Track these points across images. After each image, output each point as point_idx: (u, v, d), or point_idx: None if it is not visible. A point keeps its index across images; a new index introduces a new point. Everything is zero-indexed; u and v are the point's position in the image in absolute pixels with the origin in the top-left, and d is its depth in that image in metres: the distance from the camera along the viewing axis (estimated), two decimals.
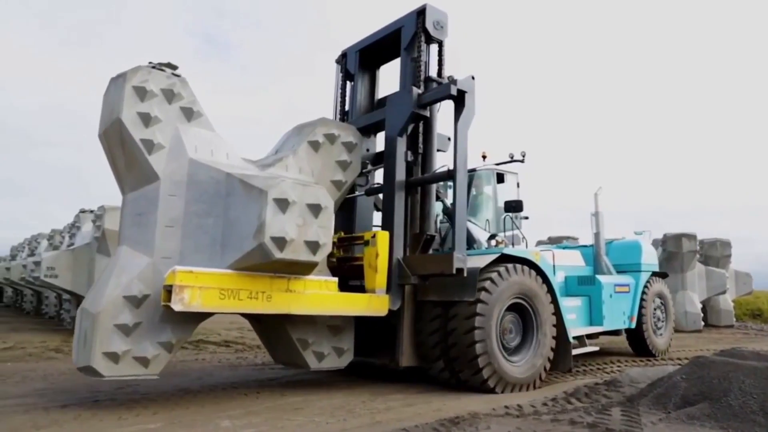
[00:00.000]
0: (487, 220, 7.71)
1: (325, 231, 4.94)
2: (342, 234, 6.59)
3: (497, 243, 6.79)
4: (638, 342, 9.04)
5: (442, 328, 5.87)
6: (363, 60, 7.45)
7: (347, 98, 7.51)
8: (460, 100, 5.92)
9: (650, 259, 9.47)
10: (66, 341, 9.78)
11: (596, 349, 7.63)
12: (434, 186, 6.44)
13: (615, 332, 9.06)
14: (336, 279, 5.53)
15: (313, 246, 4.81)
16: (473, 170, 7.86)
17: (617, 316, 8.48)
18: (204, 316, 5.10)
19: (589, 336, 8.84)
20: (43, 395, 5.38)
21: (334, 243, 6.41)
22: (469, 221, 7.60)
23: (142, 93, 4.94)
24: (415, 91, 6.12)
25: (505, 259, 6.17)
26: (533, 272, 6.33)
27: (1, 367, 7.34)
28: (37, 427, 4.16)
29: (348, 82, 7.58)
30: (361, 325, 6.71)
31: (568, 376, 7.37)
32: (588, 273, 8.81)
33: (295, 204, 4.76)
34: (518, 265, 6.14)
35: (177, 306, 4.41)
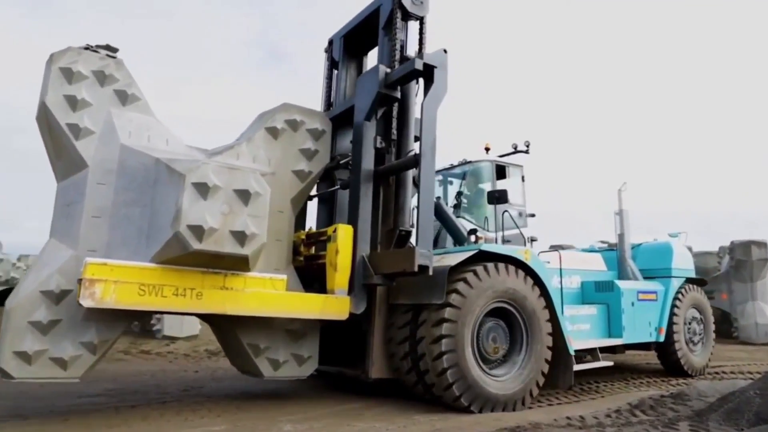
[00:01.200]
0: (486, 217, 6.91)
1: (256, 221, 4.39)
2: (311, 230, 6.04)
3: (477, 239, 6.00)
4: (668, 358, 7.87)
5: (412, 335, 5.17)
6: (347, 46, 6.92)
7: (333, 87, 7.00)
8: (428, 76, 5.24)
9: (684, 263, 8.28)
10: (133, 343, 10.04)
11: (607, 364, 6.62)
12: (411, 176, 5.75)
13: (643, 346, 7.96)
14: (285, 277, 4.96)
15: (240, 237, 4.26)
16: (468, 162, 7.11)
17: (641, 327, 7.40)
18: (136, 314, 4.67)
19: (607, 349, 7.83)
20: (114, 395, 5.69)
21: (301, 240, 5.88)
22: (464, 218, 6.86)
23: (69, 75, 4.61)
24: (382, 69, 5.50)
25: (486, 257, 5.38)
26: (522, 273, 5.50)
27: None
28: (109, 426, 4.36)
29: (334, 71, 7.07)
30: (334, 331, 6.12)
31: (631, 387, 7.01)
32: (608, 278, 7.78)
33: (220, 190, 4.25)
34: (501, 265, 5.33)
35: (86, 302, 3.97)
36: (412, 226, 5.59)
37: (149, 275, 4.26)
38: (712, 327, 8.46)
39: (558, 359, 5.88)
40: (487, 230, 6.84)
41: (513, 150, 7.54)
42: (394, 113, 5.78)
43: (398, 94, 5.65)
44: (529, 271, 5.62)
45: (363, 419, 4.75)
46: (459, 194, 7.06)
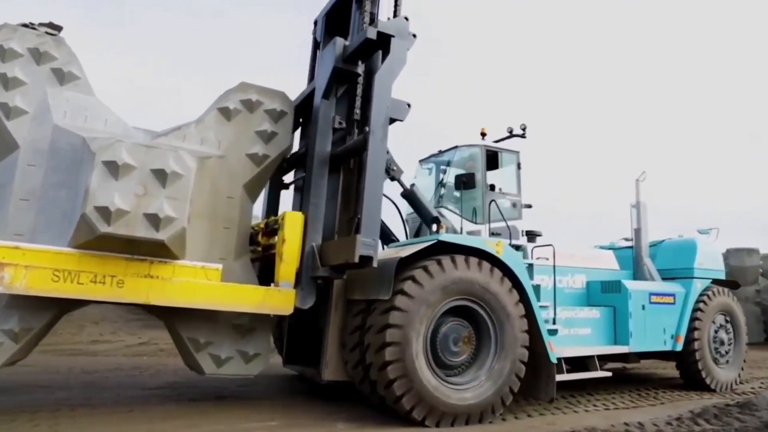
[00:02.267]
0: (474, 208, 6.29)
1: (176, 203, 4.05)
2: (272, 218, 5.67)
3: (438, 228, 5.41)
4: (688, 370, 6.94)
5: (361, 341, 4.69)
6: (329, 25, 6.50)
7: (317, 69, 6.61)
8: (384, 46, 4.74)
9: (709, 262, 7.29)
10: None
11: (603, 374, 5.85)
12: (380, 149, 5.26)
13: (661, 355, 7.08)
14: (219, 266, 4.60)
15: (154, 220, 3.93)
16: (454, 148, 6.51)
17: (653, 334, 6.54)
18: (67, 302, 4.45)
19: (620, 358, 7.02)
20: (175, 388, 5.92)
21: (261, 229, 5.53)
22: (446, 209, 6.28)
23: (1, 53, 4.45)
24: (340, 42, 5.05)
25: (449, 249, 4.81)
26: (492, 268, 4.88)
27: (138, 360, 8.33)
28: (171, 419, 4.52)
29: (318, 52, 6.68)
30: (303, 328, 5.75)
31: (692, 394, 6.60)
32: (621, 278, 6.95)
33: (134, 169, 3.95)
34: (462, 258, 4.74)
35: None
36: None
37: (65, 261, 4.02)
38: (744, 337, 7.42)
39: (540, 367, 5.22)
40: (476, 222, 6.23)
41: (508, 134, 6.87)
42: (358, 91, 5.32)
43: (359, 70, 5.18)
44: (502, 267, 4.99)
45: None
46: (441, 183, 6.48)
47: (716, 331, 7.08)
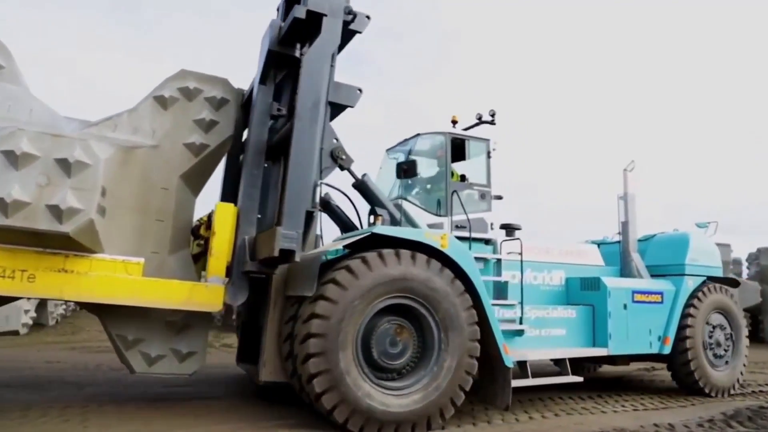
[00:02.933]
0: (438, 200, 5.90)
1: (82, 194, 3.81)
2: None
3: (375, 220, 5.04)
4: (680, 374, 6.38)
5: (291, 333, 4.39)
6: (288, 10, 6.23)
7: None
8: (315, 25, 4.42)
9: (703, 258, 6.69)
10: (216, 337, 10.52)
11: (573, 380, 5.37)
12: (316, 147, 4.95)
13: (652, 358, 6.55)
14: (141, 260, 4.36)
15: (57, 212, 3.71)
16: (416, 135, 6.13)
17: (637, 335, 6.02)
18: None
19: (608, 360, 6.55)
20: (200, 386, 5.94)
21: (204, 222, 5.29)
22: (407, 200, 5.91)
23: None
24: (274, 23, 4.77)
25: (388, 243, 4.46)
26: (430, 262, 4.49)
27: None
28: (196, 416, 4.61)
29: None
30: (252, 325, 5.50)
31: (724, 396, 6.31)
32: (607, 274, 6.44)
33: (37, 159, 3.74)
34: (393, 252, 4.35)
35: None
36: (315, 206, 4.80)
37: None
38: (745, 338, 6.79)
39: (497, 372, 4.82)
40: (439, 214, 5.84)
41: (477, 121, 6.45)
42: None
43: (298, 53, 4.88)
44: (448, 262, 4.61)
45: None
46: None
47: (711, 332, 6.49)
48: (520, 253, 5.68)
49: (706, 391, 6.26)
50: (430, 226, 5.69)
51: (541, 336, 5.66)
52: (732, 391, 6.51)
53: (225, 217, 4.59)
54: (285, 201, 4.10)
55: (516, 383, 4.85)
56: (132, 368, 4.63)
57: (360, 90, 5.51)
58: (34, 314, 10.71)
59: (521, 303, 5.52)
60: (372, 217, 5.05)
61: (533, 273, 6.17)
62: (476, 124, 6.44)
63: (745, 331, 6.79)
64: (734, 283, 7.02)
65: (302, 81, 4.30)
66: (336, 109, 5.44)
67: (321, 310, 4.02)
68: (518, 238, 5.77)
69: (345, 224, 5.70)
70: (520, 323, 5.48)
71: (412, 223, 5.68)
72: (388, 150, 6.63)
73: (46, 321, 11.21)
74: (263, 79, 4.85)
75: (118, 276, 4.23)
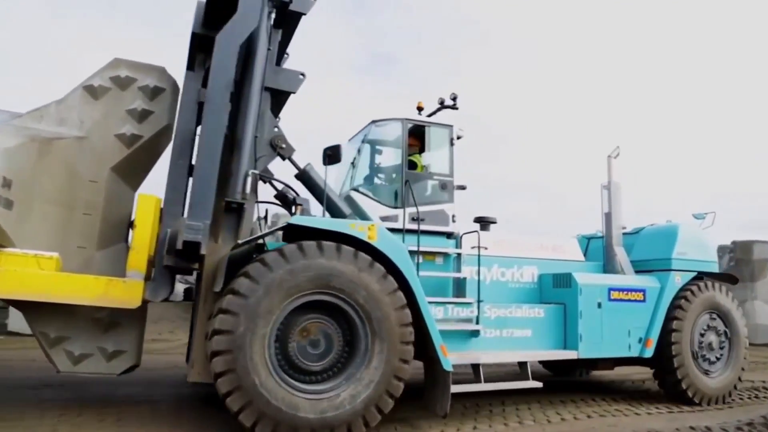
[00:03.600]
0: (396, 191, 5.53)
1: None
2: None
3: (295, 210, 4.69)
4: (665, 380, 5.81)
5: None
6: None
7: None
8: (234, 3, 4.15)
9: (694, 251, 6.08)
10: None
11: (531, 385, 4.91)
12: (248, 136, 4.69)
13: (635, 361, 6.01)
14: (56, 255, 4.18)
15: None
16: (370, 123, 5.78)
17: (613, 337, 5.50)
18: None
19: (588, 364, 6.05)
20: None
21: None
22: (359, 191, 5.58)
23: None
24: (199, 4, 4.51)
25: (310, 235, 4.14)
26: (364, 257, 4.14)
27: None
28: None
29: None
30: None
31: (762, 398, 6.14)
32: (579, 270, 5.94)
33: None
34: (314, 244, 4.02)
35: None
36: (245, 197, 4.54)
37: None
38: (744, 340, 6.14)
39: (437, 377, 4.43)
40: (398, 207, 5.48)
41: (439, 106, 6.04)
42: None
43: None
44: (378, 256, 4.24)
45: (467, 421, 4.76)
46: (352, 164, 5.77)
47: (702, 334, 5.90)
48: (478, 247, 5.26)
49: (695, 399, 5.68)
50: (384, 218, 5.34)
51: (501, 337, 5.23)
52: (727, 398, 5.89)
53: (146, 210, 4.38)
54: (193, 191, 3.84)
55: (461, 388, 4.45)
56: (57, 367, 4.46)
57: (303, 75, 5.23)
58: None
59: (478, 301, 5.10)
60: (294, 208, 4.74)
61: (501, 269, 5.73)
62: (438, 109, 6.04)
63: (744, 332, 6.14)
64: (731, 280, 6.38)
65: (215, 62, 4.05)
66: (279, 96, 5.19)
67: (228, 305, 3.75)
68: (476, 231, 5.35)
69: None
70: (477, 323, 5.07)
71: (363, 216, 5.34)
72: (350, 140, 6.31)
73: None
74: (190, 64, 4.62)
75: (29, 271, 4.05)
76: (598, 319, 5.43)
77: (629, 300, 5.64)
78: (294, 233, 4.31)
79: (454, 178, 5.70)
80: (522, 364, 5.08)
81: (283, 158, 5.07)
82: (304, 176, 5.09)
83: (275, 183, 5.08)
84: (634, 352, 5.58)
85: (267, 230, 4.52)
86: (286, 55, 5.85)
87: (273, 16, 4.98)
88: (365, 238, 4.18)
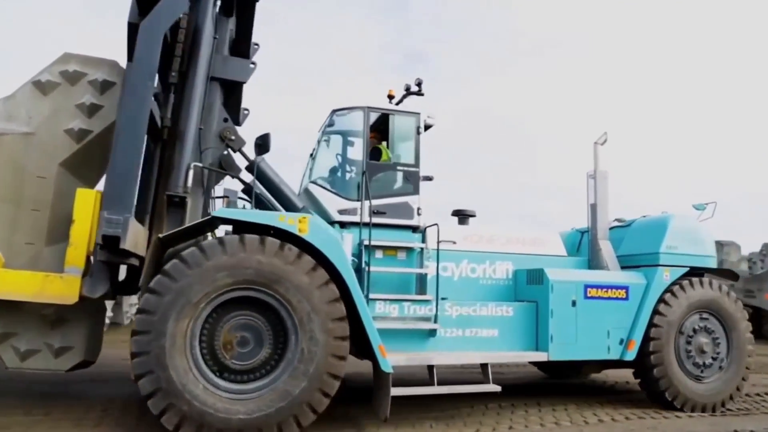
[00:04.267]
0: (357, 183, 5.30)
1: None
2: None
3: (223, 203, 4.50)
4: (649, 385, 5.37)
5: None
6: None
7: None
8: None
9: (686, 245, 5.56)
10: None
11: (490, 389, 4.60)
12: (191, 129, 4.57)
13: (617, 364, 5.58)
14: None
15: None
16: (332, 112, 5.55)
17: (589, 338, 5.12)
18: None
19: (569, 366, 5.70)
20: None
21: None
22: (317, 184, 5.37)
23: None
24: None
25: (238, 228, 3.98)
26: (292, 250, 3.95)
27: None
28: None
29: None
30: None
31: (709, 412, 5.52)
32: (559, 266, 5.56)
33: None
34: (237, 238, 3.86)
35: None
36: (186, 190, 4.43)
37: None
38: (746, 342, 5.58)
39: (380, 379, 4.20)
40: (358, 201, 5.24)
41: (405, 92, 5.75)
42: (178, 51, 4.64)
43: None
44: (315, 251, 4.04)
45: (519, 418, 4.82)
46: (311, 155, 5.55)
47: (691, 336, 5.41)
48: (437, 242, 4.97)
49: (677, 405, 5.21)
50: (342, 212, 5.13)
51: (464, 337, 4.94)
52: (722, 407, 5.40)
53: (84, 204, 4.28)
54: (108, 181, 3.74)
55: (403, 391, 4.21)
56: (5, 363, 4.48)
57: (254, 63, 5.07)
58: (111, 314, 11.02)
59: (437, 298, 4.83)
60: (223, 201, 4.59)
61: (471, 265, 5.43)
62: (404, 97, 5.76)
63: (746, 335, 5.60)
64: (731, 276, 5.83)
65: (137, 51, 3.94)
66: (229, 87, 5.05)
67: (146, 305, 3.64)
68: (436, 224, 5.06)
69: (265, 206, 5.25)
70: (435, 322, 4.80)
71: (321, 210, 5.14)
72: (319, 131, 6.11)
73: (122, 320, 11.58)
74: (130, 55, 4.51)
75: None
76: (572, 318, 5.06)
77: (609, 298, 5.23)
78: (249, 227, 4.13)
79: (420, 168, 5.42)
80: (483, 366, 4.78)
81: (234, 150, 4.94)
82: (254, 170, 4.93)
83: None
84: (614, 355, 5.17)
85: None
86: (255, 46, 5.72)
87: (218, 3, 4.84)
88: (296, 231, 3.98)
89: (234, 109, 5.35)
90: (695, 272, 5.57)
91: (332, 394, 3.91)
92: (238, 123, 5.43)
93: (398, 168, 5.39)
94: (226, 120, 4.89)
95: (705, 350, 5.42)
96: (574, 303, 5.09)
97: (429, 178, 5.48)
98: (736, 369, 5.51)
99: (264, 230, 4.03)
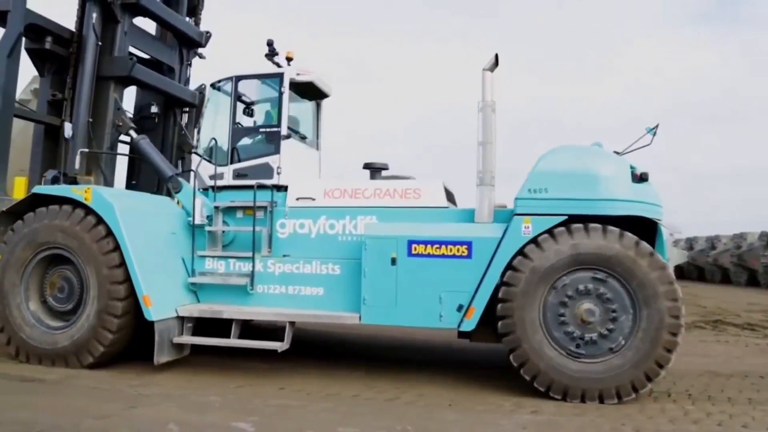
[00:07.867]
0: (226, 150, 5.58)
1: None
2: None
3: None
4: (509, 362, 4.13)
5: None
6: None
7: None
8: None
9: (562, 188, 3.99)
10: None
11: (269, 346, 4.37)
12: (82, 119, 5.69)
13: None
14: None
15: None
16: (210, 85, 5.82)
17: (415, 302, 4.31)
18: None
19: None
20: None
21: None
22: (198, 155, 5.82)
23: None
24: None
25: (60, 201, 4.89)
26: (79, 213, 4.73)
27: None
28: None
29: None
30: None
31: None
32: (437, 220, 4.75)
33: None
34: (50, 208, 4.77)
35: None
36: (77, 173, 5.62)
37: None
38: (666, 310, 3.72)
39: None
40: (226, 163, 5.52)
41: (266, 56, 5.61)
42: (72, 61, 5.83)
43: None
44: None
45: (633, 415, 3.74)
46: (197, 129, 5.97)
47: (571, 297, 3.92)
48: (271, 202, 5.02)
49: (541, 387, 3.91)
50: (212, 177, 5.53)
51: (286, 294, 4.84)
52: (625, 395, 3.82)
53: (17, 191, 5.84)
54: None
55: (192, 340, 4.62)
56: None
57: (132, 57, 5.90)
58: None
59: (254, 256, 4.85)
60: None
61: (329, 221, 5.13)
62: (267, 57, 5.66)
63: (664, 299, 3.75)
64: (650, 224, 3.93)
65: None
66: (123, 81, 6.01)
67: None
68: (269, 184, 5.03)
69: None
70: (252, 279, 4.84)
71: (200, 177, 5.64)
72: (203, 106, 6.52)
73: None
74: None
75: None
76: (391, 278, 4.36)
77: (443, 256, 4.28)
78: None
79: (283, 128, 5.37)
80: (291, 324, 4.61)
81: (122, 134, 5.89)
82: (135, 147, 5.77)
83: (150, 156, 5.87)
84: (448, 323, 4.23)
85: None
86: (207, 34, 6.66)
87: (95, 16, 5.75)
88: (82, 200, 4.69)
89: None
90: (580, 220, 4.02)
91: (106, 343, 4.59)
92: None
93: (260, 130, 5.49)
94: (119, 109, 5.86)
95: (588, 320, 3.91)
96: (393, 261, 4.38)
97: (288, 137, 5.36)
98: (648, 347, 3.80)
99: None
